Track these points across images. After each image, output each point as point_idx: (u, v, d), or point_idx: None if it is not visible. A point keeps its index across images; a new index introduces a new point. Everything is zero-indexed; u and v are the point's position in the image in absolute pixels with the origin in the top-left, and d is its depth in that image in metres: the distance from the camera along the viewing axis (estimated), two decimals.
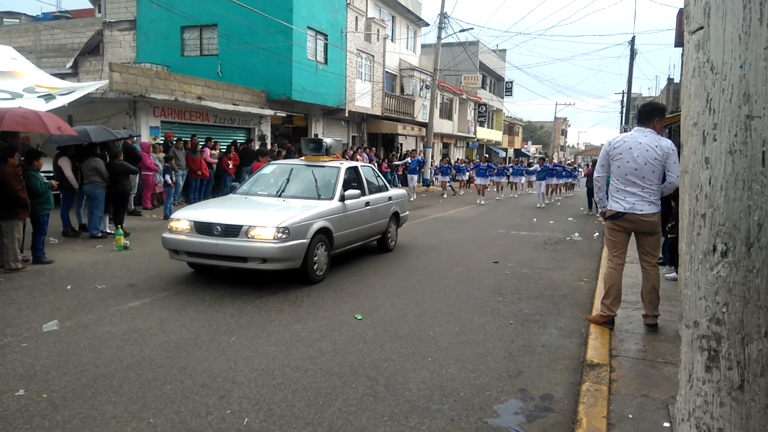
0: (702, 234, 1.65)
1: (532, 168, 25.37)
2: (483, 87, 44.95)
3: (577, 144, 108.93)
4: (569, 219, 15.63)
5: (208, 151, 15.00)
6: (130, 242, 9.16)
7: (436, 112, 30.55)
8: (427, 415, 3.53)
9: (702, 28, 1.63)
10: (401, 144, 30.61)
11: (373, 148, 26.32)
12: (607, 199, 5.05)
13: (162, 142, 14.78)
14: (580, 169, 31.32)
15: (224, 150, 16.18)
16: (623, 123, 35.09)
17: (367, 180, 8.64)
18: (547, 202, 20.24)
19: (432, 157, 28.51)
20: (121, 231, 8.93)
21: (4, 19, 26.93)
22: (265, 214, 6.66)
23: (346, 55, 23.55)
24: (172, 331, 4.97)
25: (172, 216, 6.96)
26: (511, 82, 50.34)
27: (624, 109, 37.18)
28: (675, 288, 6.01)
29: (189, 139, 14.54)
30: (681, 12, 19.38)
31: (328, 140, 8.77)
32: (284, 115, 20.71)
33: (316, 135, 23.58)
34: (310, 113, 23.08)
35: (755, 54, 1.52)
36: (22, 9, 59.70)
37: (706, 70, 1.62)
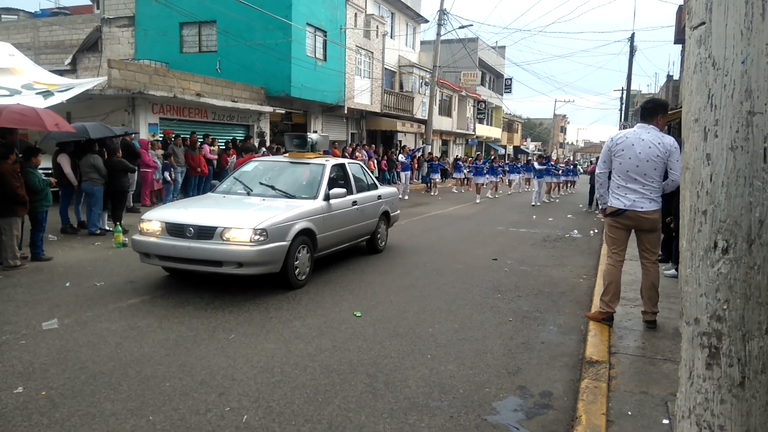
0: (703, 231, 1.64)
1: (529, 165, 25.06)
2: (482, 84, 44.92)
3: (577, 141, 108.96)
4: (568, 216, 15.64)
5: (206, 147, 14.98)
6: (129, 239, 9.14)
7: (436, 109, 30.53)
8: (427, 412, 3.52)
9: (704, 23, 1.62)
10: (400, 141, 30.58)
11: (372, 145, 26.30)
12: (610, 196, 5.01)
13: (161, 138, 14.75)
14: (580, 168, 31.27)
15: (223, 147, 16.16)
16: (622, 120, 35.09)
17: (354, 178, 8.24)
18: (545, 200, 20.07)
19: (431, 153, 28.50)
20: (119, 228, 8.91)
21: (3, 16, 26.88)
22: (242, 214, 6.28)
23: (345, 51, 23.51)
24: (171, 328, 4.97)
25: (143, 216, 6.57)
26: (511, 79, 50.29)
27: (623, 106, 37.17)
28: (674, 285, 6.02)
29: (188, 136, 14.52)
30: (680, 8, 19.36)
31: (313, 136, 8.41)
32: (283, 111, 20.69)
33: (315, 131, 23.57)
34: (309, 110, 23.05)
35: (757, 49, 1.51)
36: (21, 5, 59.46)
37: (707, 66, 1.61)
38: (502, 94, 50.61)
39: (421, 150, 25.97)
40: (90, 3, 27.38)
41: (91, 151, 9.65)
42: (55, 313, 5.24)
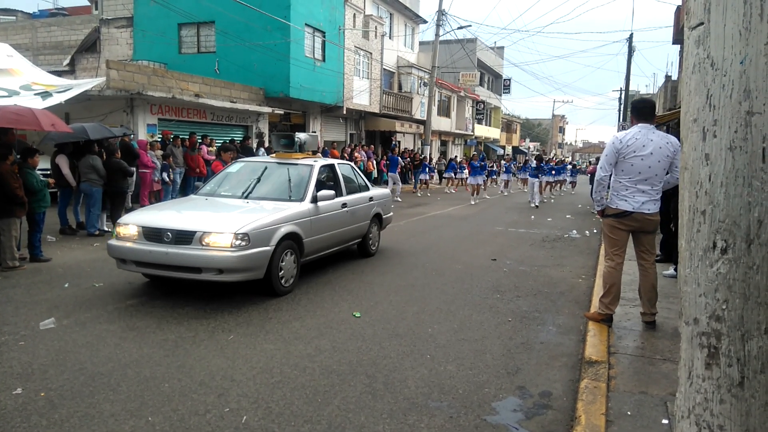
0: (702, 231, 1.65)
1: (527, 165, 24.40)
2: (481, 84, 44.95)
3: (575, 141, 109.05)
4: (567, 216, 15.65)
5: (205, 148, 14.97)
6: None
7: (434, 109, 30.52)
8: (426, 413, 3.52)
9: (702, 23, 1.62)
10: (399, 141, 30.58)
11: (371, 146, 26.30)
12: (614, 197, 4.90)
13: (159, 139, 14.74)
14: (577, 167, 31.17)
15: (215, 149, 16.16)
16: (621, 120, 35.10)
17: (344, 179, 7.95)
18: (543, 200, 19.93)
19: (430, 154, 28.49)
20: None
21: (1, 17, 26.84)
22: (223, 217, 5.99)
23: (344, 52, 23.50)
24: (170, 329, 4.96)
25: (119, 220, 6.29)
26: (509, 80, 50.35)
27: (622, 106, 37.20)
28: (673, 285, 6.02)
29: (187, 137, 14.51)
30: (679, 9, 19.37)
31: (302, 135, 8.05)
32: (282, 112, 20.68)
33: (314, 132, 23.56)
34: (308, 110, 23.04)
35: (756, 50, 1.51)
36: (19, 6, 59.54)
37: (706, 66, 1.61)
38: (500, 95, 50.65)
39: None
40: (88, 4, 27.36)
41: (89, 151, 9.64)
42: (54, 313, 5.23)
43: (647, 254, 5.01)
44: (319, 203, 6.90)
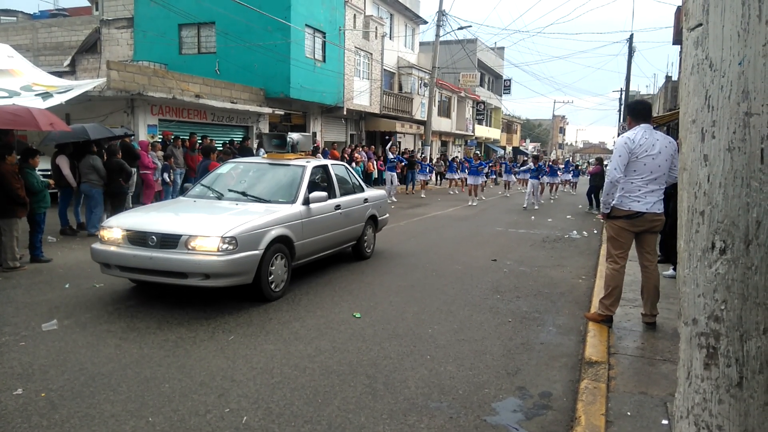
0: (701, 231, 1.65)
1: (524, 167, 23.51)
2: (481, 85, 44.96)
3: (576, 142, 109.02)
4: (567, 217, 15.65)
5: None
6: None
7: (435, 110, 30.54)
8: (426, 413, 3.53)
9: (701, 24, 1.63)
10: (399, 142, 30.60)
11: (372, 146, 26.32)
12: (625, 199, 4.84)
13: (160, 140, 14.76)
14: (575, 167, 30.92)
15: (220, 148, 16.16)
16: (622, 121, 35.10)
17: (338, 180, 7.75)
18: (541, 201, 19.56)
19: (430, 154, 28.50)
20: None
21: (1, 17, 26.89)
22: (211, 220, 5.81)
23: (344, 52, 23.52)
24: (170, 329, 4.96)
25: (102, 224, 6.13)
26: (510, 80, 50.36)
27: (622, 107, 37.20)
28: (672, 286, 6.02)
29: (187, 138, 14.52)
30: (679, 9, 19.37)
31: (294, 135, 7.85)
32: (282, 113, 20.69)
33: (314, 133, 23.57)
34: (309, 111, 23.06)
35: (754, 51, 1.51)
36: (20, 7, 59.61)
37: (704, 67, 1.62)
38: (501, 95, 50.67)
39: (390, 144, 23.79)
40: (89, 4, 27.37)
41: (90, 152, 9.65)
42: (55, 314, 5.24)
43: (650, 255, 5.01)
44: (312, 205, 6.73)
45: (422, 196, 21.32)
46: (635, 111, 4.96)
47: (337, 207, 7.39)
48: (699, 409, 1.67)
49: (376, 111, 27.11)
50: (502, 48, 50.50)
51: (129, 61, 19.77)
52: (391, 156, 19.49)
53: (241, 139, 17.95)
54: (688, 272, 1.70)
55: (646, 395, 3.68)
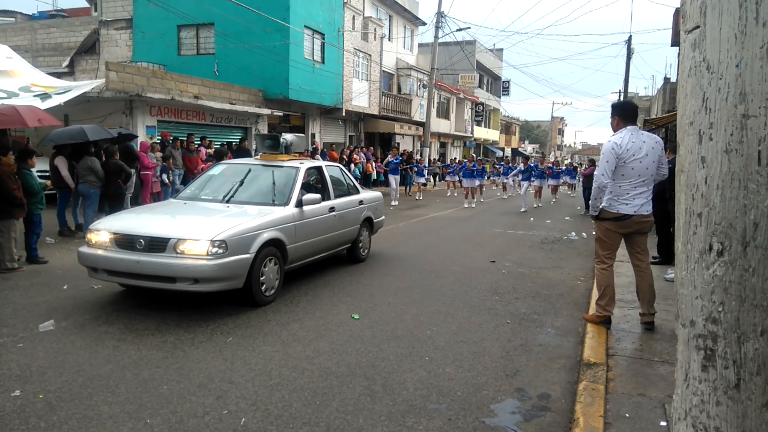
0: (698, 233, 1.65)
1: (516, 168, 22.62)
2: (480, 86, 45.00)
3: (574, 143, 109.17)
4: (566, 218, 15.66)
5: (204, 150, 14.98)
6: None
7: (433, 111, 30.56)
8: (425, 415, 3.53)
9: (698, 27, 1.63)
10: (398, 143, 30.61)
11: (371, 148, 26.32)
12: (614, 202, 4.87)
13: (159, 141, 14.75)
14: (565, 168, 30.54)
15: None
16: None
17: (332, 182, 7.63)
18: (537, 204, 19.34)
19: (429, 155, 28.52)
20: None
21: (0, 18, 26.83)
22: (200, 223, 5.71)
23: (343, 54, 23.53)
24: (168, 331, 4.96)
25: (90, 226, 5.98)
26: (508, 82, 50.42)
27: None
28: (671, 287, 6.03)
29: (185, 138, 14.51)
30: (678, 11, 19.37)
31: (288, 136, 7.72)
32: (281, 114, 20.69)
33: (313, 134, 23.58)
34: (307, 112, 23.06)
35: (751, 53, 1.52)
36: (18, 8, 59.55)
37: (702, 69, 1.62)
38: (499, 97, 50.73)
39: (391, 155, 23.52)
40: (87, 5, 27.36)
41: (88, 153, 9.64)
42: (53, 315, 5.23)
43: (642, 255, 5.02)
44: (305, 207, 6.62)
45: (417, 198, 21.03)
46: (623, 112, 4.94)
47: (332, 209, 7.28)
48: (697, 410, 1.67)
49: (375, 112, 27.12)
50: (501, 49, 50.55)
51: (128, 62, 19.75)
52: (391, 158, 19.43)
53: (238, 141, 17.94)
54: (685, 274, 1.70)
55: (644, 397, 3.68)
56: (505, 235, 11.82)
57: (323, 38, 22.06)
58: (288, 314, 5.56)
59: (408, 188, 22.65)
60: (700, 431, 1.66)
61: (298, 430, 3.30)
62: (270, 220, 6.02)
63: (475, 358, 4.53)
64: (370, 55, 26.38)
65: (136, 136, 13.16)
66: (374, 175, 22.90)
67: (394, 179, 19.21)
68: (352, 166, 20.96)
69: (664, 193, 7.38)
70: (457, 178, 23.02)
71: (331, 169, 7.93)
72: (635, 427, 3.28)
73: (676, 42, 19.96)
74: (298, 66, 20.19)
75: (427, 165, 25.86)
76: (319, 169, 7.62)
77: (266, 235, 5.81)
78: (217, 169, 7.60)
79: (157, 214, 6.25)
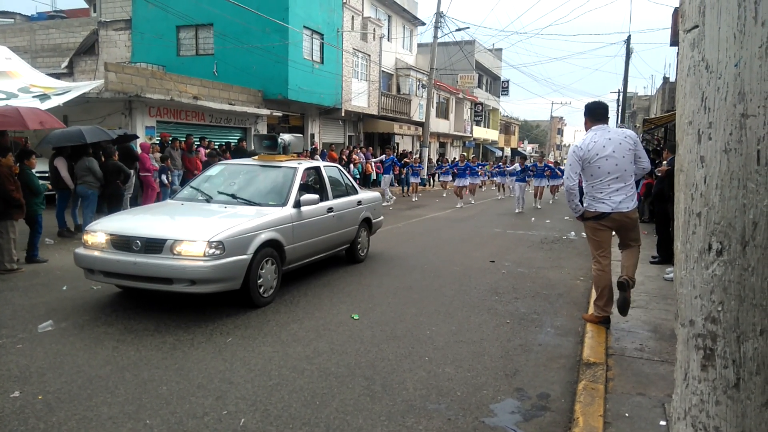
0: (697, 233, 1.65)
1: (509, 168, 22.22)
2: (479, 86, 44.99)
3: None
4: (565, 218, 15.65)
5: (203, 150, 14.98)
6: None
7: (433, 111, 30.55)
8: (424, 415, 3.52)
9: (697, 26, 1.63)
10: (398, 143, 30.61)
11: (370, 148, 26.32)
12: (592, 202, 4.93)
13: (158, 141, 14.75)
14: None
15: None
16: (619, 122, 35.16)
17: (330, 182, 7.58)
18: (536, 206, 18.99)
19: (429, 156, 28.50)
20: None
21: None
22: (197, 224, 5.66)
23: (343, 54, 23.53)
24: (168, 331, 4.96)
25: (86, 228, 5.96)
26: (508, 82, 50.42)
27: (620, 108, 37.26)
28: (670, 287, 6.03)
29: (184, 139, 14.51)
30: (676, 11, 19.35)
31: (285, 136, 7.68)
32: (280, 114, 20.69)
33: (312, 135, 23.58)
34: (307, 113, 23.06)
35: (750, 52, 1.52)
36: (17, 8, 59.57)
37: (701, 69, 1.62)
38: (499, 97, 50.73)
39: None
40: (86, 6, 27.35)
41: (86, 154, 9.63)
42: (52, 316, 5.22)
43: (634, 241, 5.05)
44: (303, 208, 6.58)
45: (414, 199, 20.71)
46: (592, 112, 4.99)
47: (330, 210, 7.25)
48: (696, 410, 1.67)
49: (374, 112, 27.12)
50: (500, 49, 50.52)
51: (127, 62, 19.75)
52: (383, 157, 19.49)
53: (236, 141, 17.94)
54: (684, 274, 1.70)
55: (644, 396, 3.68)
56: (504, 235, 11.82)
57: (322, 38, 22.06)
58: (287, 314, 5.56)
59: (404, 189, 22.59)
60: (699, 431, 1.66)
61: (298, 430, 3.30)
62: (267, 220, 5.99)
63: (475, 358, 4.53)
64: (369, 56, 26.38)
65: (137, 137, 13.15)
66: (373, 176, 22.88)
67: (384, 179, 19.15)
68: (351, 166, 20.95)
69: (663, 193, 7.39)
70: (450, 177, 22.79)
71: (329, 170, 7.91)
72: (635, 426, 3.28)
73: (675, 41, 19.97)
74: (297, 66, 20.19)
75: (421, 164, 25.66)
76: (317, 169, 7.59)
77: (264, 236, 5.78)
78: (214, 170, 7.58)
79: (153, 215, 6.23)
